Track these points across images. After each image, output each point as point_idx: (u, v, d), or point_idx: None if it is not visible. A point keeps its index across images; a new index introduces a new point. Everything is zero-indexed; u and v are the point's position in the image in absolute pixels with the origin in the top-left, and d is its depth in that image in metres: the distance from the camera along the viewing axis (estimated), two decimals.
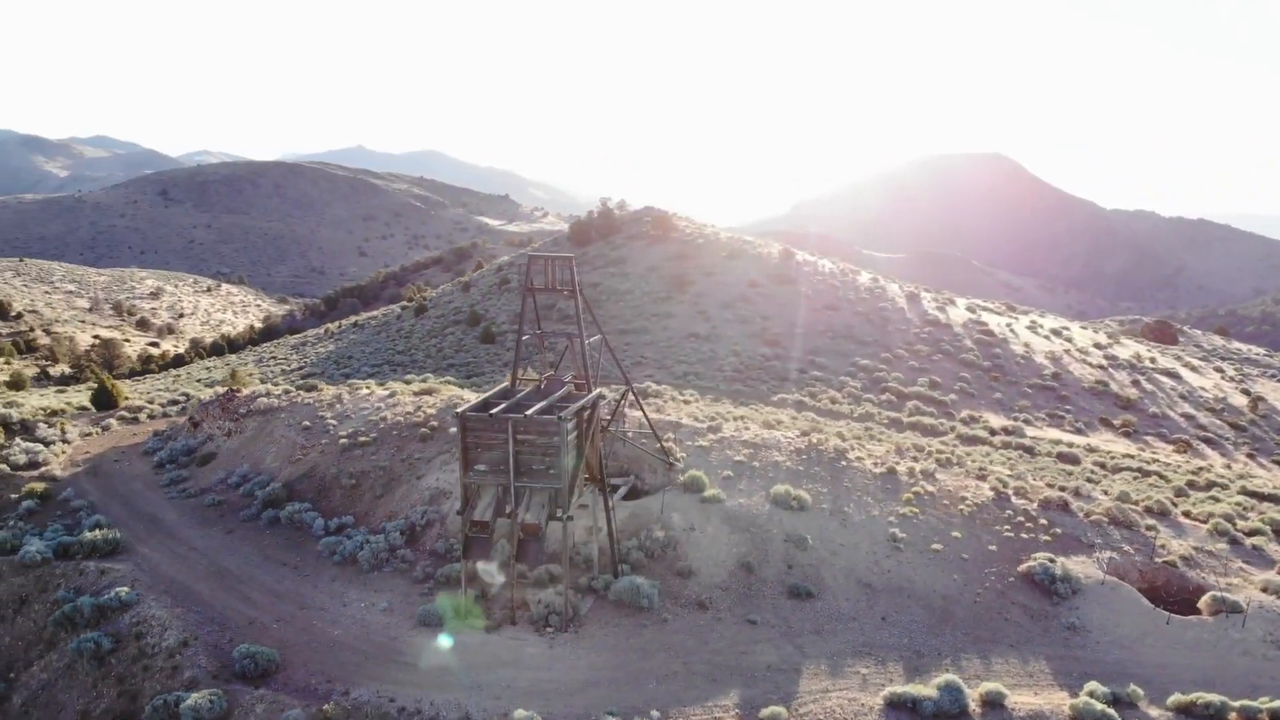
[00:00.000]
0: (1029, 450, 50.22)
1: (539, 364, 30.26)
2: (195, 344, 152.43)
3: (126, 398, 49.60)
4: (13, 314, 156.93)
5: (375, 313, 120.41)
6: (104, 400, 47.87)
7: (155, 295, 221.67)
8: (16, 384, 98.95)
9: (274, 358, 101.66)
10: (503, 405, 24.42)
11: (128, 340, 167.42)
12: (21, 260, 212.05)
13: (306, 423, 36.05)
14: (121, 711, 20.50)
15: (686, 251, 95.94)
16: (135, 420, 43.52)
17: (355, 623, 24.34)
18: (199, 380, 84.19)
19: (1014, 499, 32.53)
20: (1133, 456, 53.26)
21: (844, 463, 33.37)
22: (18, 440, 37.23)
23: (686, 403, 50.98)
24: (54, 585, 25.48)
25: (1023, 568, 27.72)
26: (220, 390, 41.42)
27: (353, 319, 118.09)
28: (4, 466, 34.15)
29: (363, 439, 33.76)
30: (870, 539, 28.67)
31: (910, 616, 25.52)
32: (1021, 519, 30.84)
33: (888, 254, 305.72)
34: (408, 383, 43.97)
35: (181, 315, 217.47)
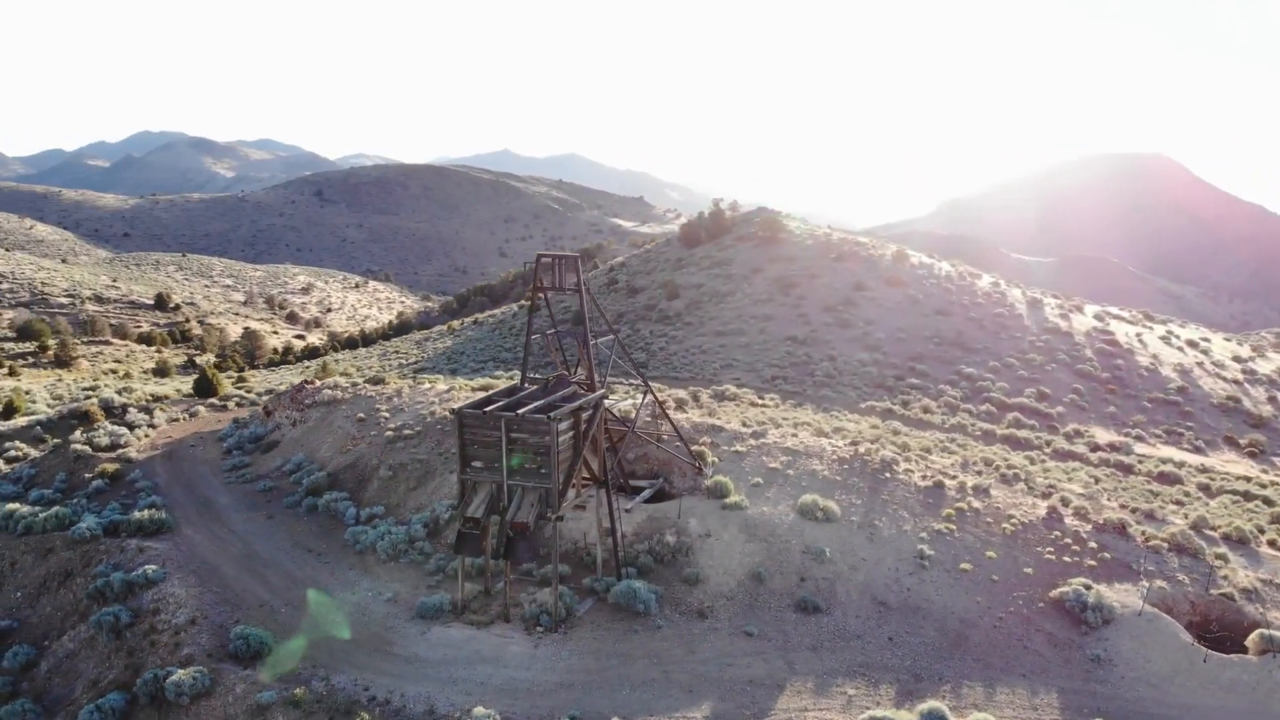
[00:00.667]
0: (1126, 468, 46.99)
1: (580, 364, 30.40)
2: (333, 337, 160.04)
3: (225, 386, 52.70)
4: (171, 305, 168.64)
5: (496, 311, 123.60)
6: (205, 388, 50.92)
7: (306, 290, 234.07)
8: (161, 371, 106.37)
9: (397, 352, 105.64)
10: (501, 403, 24.58)
11: (276, 332, 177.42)
12: (184, 256, 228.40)
13: (361, 415, 37.32)
14: (124, 683, 21.69)
15: (794, 253, 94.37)
16: (224, 408, 46.14)
17: (358, 611, 24.99)
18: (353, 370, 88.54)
19: (1068, 519, 30.50)
20: (1248, 479, 49.07)
21: (888, 475, 32.04)
22: (105, 423, 40.10)
23: (756, 404, 50.19)
24: (97, 560, 27.23)
25: (1055, 593, 25.94)
26: (296, 382, 43.36)
27: (474, 317, 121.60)
28: (86, 447, 36.81)
29: (407, 432, 34.68)
30: (896, 555, 27.43)
31: (920, 638, 24.27)
32: (1069, 541, 28.87)
33: (1037, 257, 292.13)
34: (474, 378, 44.86)
35: (329, 310, 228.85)
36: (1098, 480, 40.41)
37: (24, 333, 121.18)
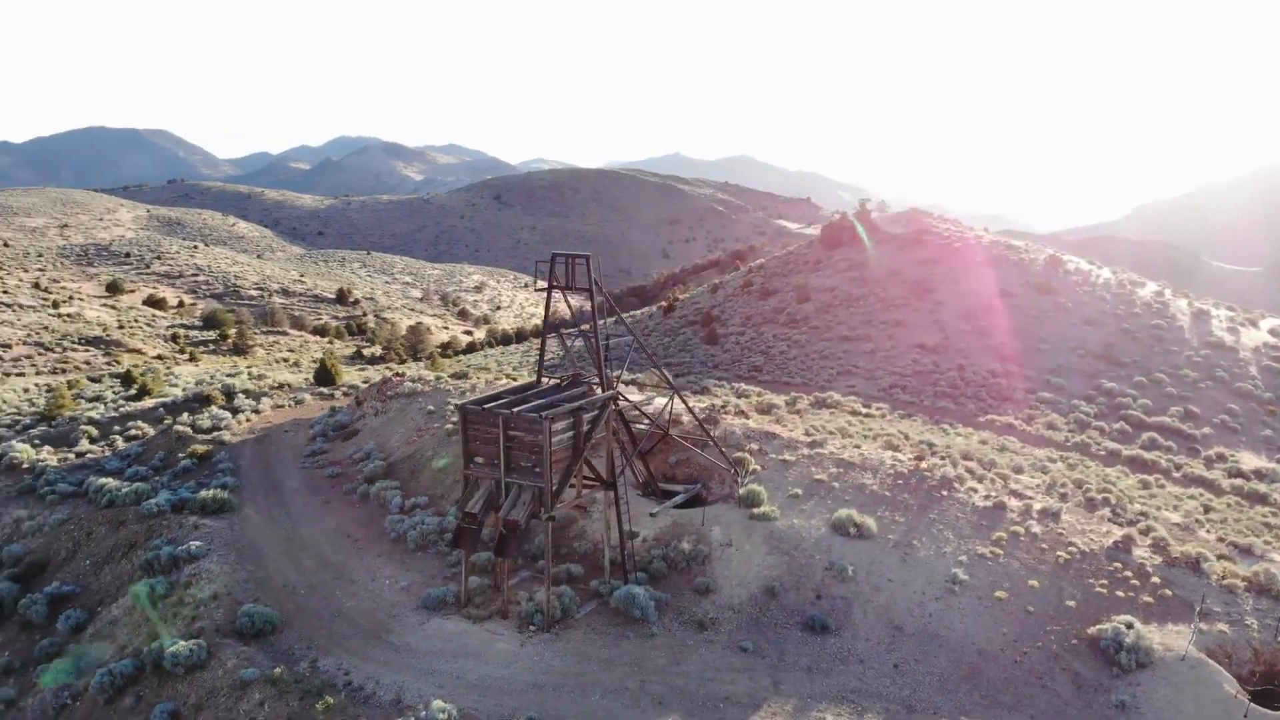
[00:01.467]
0: (1260, 498, 42.36)
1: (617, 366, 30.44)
2: (491, 334, 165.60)
3: (343, 376, 55.57)
4: (351, 300, 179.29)
5: (636, 312, 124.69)
6: (325, 378, 53.90)
7: (479, 289, 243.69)
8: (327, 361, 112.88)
9: (538, 349, 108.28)
10: (504, 401, 24.76)
11: (446, 327, 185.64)
12: (369, 253, 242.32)
13: (431, 408, 38.51)
14: (138, 650, 23.25)
15: (938, 256, 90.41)
16: (331, 397, 48.67)
17: (370, 597, 25.78)
18: (470, 365, 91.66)
19: (1139, 551, 27.80)
20: None
21: (945, 493, 30.18)
22: (212, 408, 43.11)
23: (858, 413, 48.45)
24: (157, 534, 29.32)
25: (1092, 630, 23.67)
26: (387, 374, 45.22)
27: (614, 317, 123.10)
28: (188, 429, 39.71)
29: None
30: (927, 577, 25.82)
31: (929, 667, 22.73)
32: (1129, 574, 26.30)
33: (1238, 266, 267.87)
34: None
35: (499, 307, 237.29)
36: (1208, 509, 36.66)
37: (209, 322, 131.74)
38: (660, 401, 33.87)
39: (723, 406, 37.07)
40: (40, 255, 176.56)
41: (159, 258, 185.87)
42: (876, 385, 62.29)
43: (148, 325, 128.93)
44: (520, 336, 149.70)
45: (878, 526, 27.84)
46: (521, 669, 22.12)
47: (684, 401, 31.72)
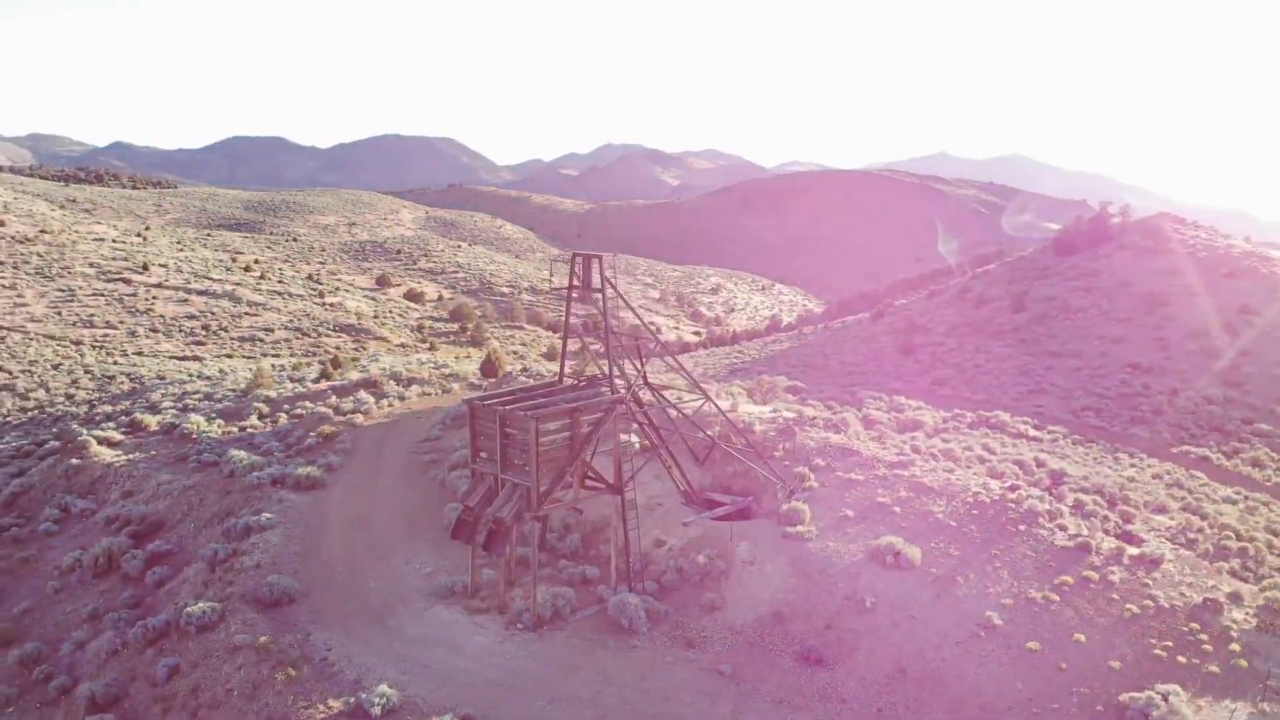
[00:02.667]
0: None
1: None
2: (709, 335, 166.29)
3: (506, 366, 58.05)
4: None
5: (849, 318, 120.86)
6: (489, 369, 56.59)
7: (714, 291, 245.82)
8: (552, 355, 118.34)
9: (740, 352, 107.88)
10: (515, 398, 24.98)
11: (676, 328, 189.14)
12: (615, 255, 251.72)
13: None
14: (182, 610, 25.62)
15: (1177, 266, 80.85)
16: (478, 388, 50.98)
17: (395, 580, 26.88)
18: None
19: (1232, 612, 23.66)
20: None
21: (1023, 527, 27.11)
22: (361, 392, 46.47)
23: (1022, 435, 44.57)
24: (250, 504, 32.14)
25: (1123, 697, 20.37)
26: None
27: (823, 323, 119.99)
28: (330, 411, 43.13)
29: None
30: (956, 618, 23.35)
31: (917, 716, 20.55)
32: (1205, 637, 22.43)
33: None
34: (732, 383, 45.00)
35: (732, 310, 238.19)
36: None
37: (455, 314, 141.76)
38: (724, 407, 32.79)
39: (812, 419, 35.29)
40: (324, 250, 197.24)
41: (426, 255, 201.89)
42: (1067, 406, 56.92)
43: (400, 316, 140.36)
44: (735, 339, 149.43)
45: (923, 558, 25.50)
46: (488, 665, 22.29)
47: (716, 405, 30.64)
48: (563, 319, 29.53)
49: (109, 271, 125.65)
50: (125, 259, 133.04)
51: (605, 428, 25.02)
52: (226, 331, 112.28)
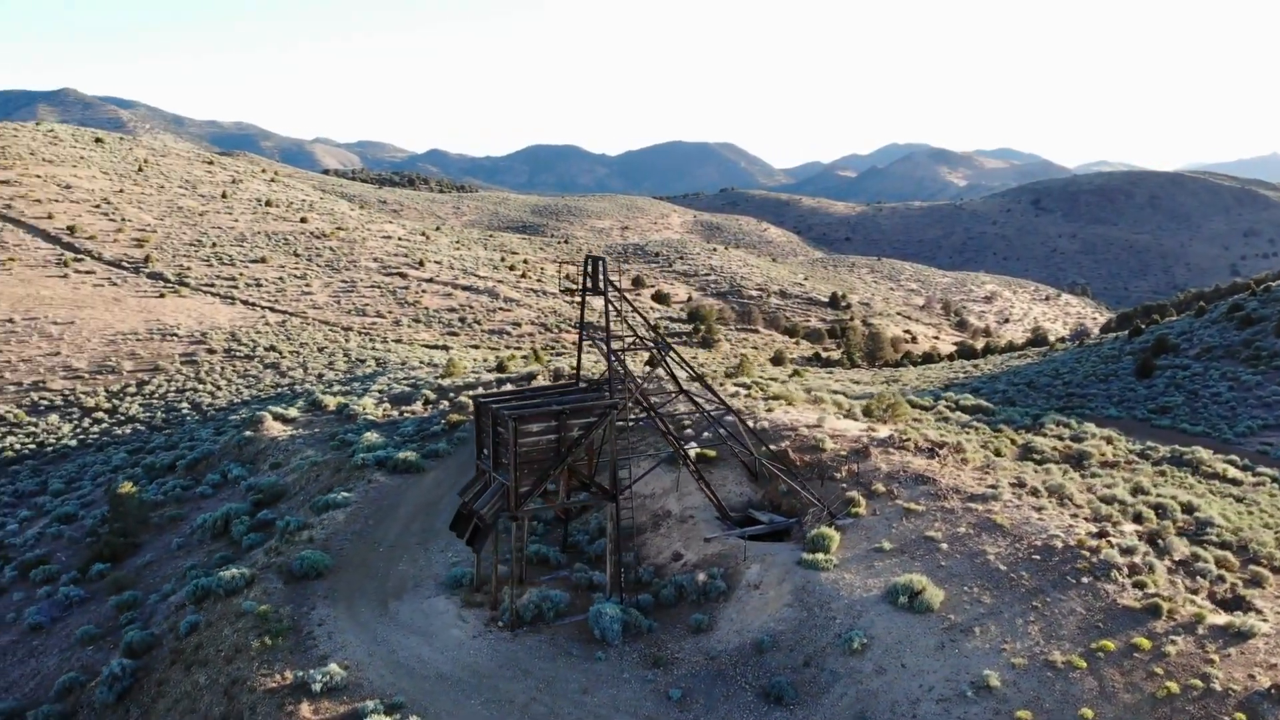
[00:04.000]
0: None
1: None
2: (961, 347, 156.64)
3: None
4: (843, 304, 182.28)
5: (1107, 336, 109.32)
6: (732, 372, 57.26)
7: (989, 299, 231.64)
8: (777, 360, 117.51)
9: (971, 368, 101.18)
10: (520, 397, 25.14)
11: (937, 338, 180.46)
12: (879, 260, 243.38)
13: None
14: (217, 575, 28.04)
15: None
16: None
17: (421, 566, 27.85)
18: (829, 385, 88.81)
19: None
20: None
21: (1086, 580, 23.60)
22: (508, 386, 48.50)
23: (1226, 478, 38.92)
24: (347, 482, 34.60)
25: None
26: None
27: (1078, 341, 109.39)
28: (470, 400, 45.43)
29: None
30: (950, 673, 20.78)
31: None
32: None
33: None
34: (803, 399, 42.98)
35: (1006, 320, 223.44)
36: None
37: (692, 315, 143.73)
38: (793, 417, 30.97)
39: (903, 439, 32.48)
40: (590, 252, 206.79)
41: (682, 257, 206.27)
42: None
43: (640, 316, 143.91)
44: (988, 351, 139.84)
45: (945, 602, 22.87)
46: (449, 658, 22.62)
47: (742, 422, 28.90)
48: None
49: (389, 266, 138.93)
50: (405, 255, 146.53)
51: (597, 432, 24.61)
52: (480, 324, 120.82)
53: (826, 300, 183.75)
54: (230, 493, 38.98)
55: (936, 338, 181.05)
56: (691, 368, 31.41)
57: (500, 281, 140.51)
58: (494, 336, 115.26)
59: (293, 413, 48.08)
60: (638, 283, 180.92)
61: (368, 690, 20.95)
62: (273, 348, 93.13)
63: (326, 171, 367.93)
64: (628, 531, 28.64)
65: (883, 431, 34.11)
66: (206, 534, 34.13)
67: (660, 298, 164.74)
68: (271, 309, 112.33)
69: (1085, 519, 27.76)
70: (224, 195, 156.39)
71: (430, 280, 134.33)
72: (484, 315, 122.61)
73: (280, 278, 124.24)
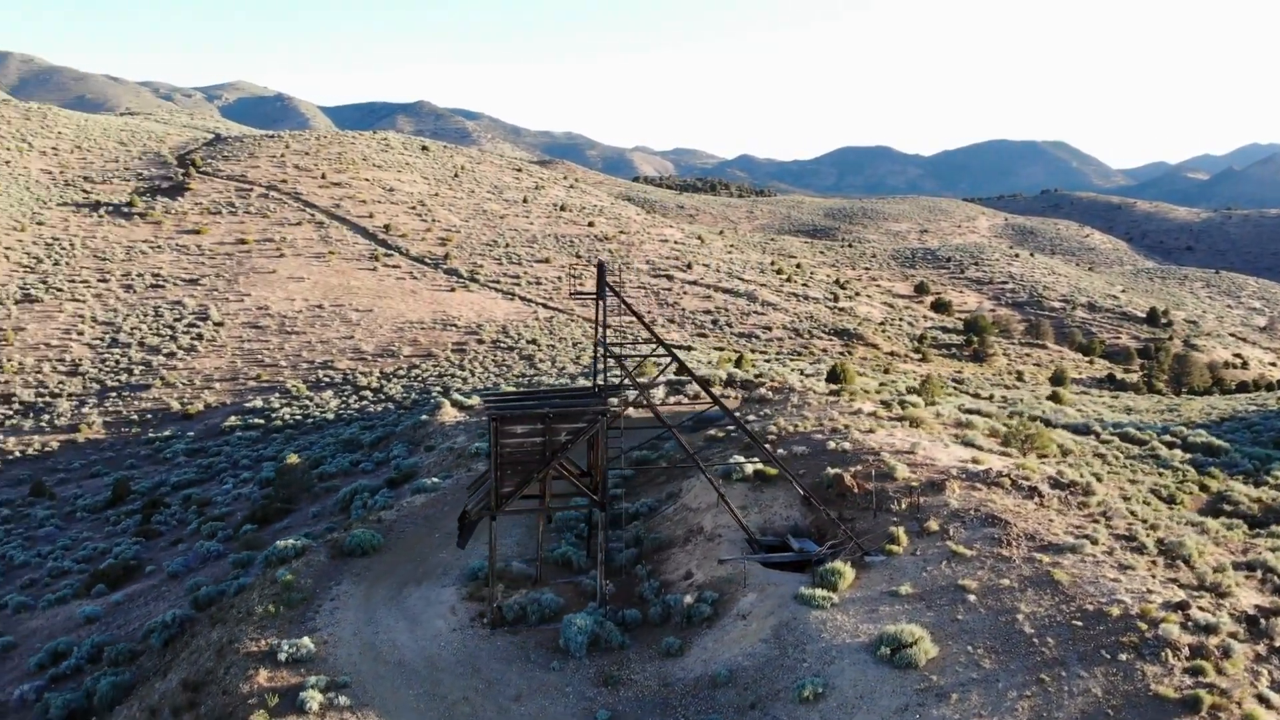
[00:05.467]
0: None
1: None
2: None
3: (853, 382, 54.86)
4: (1163, 321, 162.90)
5: None
6: (834, 378, 54.36)
7: None
8: (1057, 379, 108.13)
9: (1209, 407, 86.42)
10: (517, 398, 25.11)
11: (1275, 364, 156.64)
12: (1216, 273, 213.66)
13: (760, 414, 37.51)
14: (275, 544, 30.34)
15: None
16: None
17: (459, 557, 28.11)
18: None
19: None
20: None
21: (1126, 656, 19.74)
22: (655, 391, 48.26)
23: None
24: (454, 468, 36.25)
25: None
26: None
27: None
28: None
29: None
30: None
31: None
32: None
33: None
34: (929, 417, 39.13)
35: None
36: None
37: (967, 326, 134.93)
38: (886, 440, 28.21)
39: (1017, 474, 28.59)
40: (874, 256, 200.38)
41: (976, 263, 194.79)
42: None
43: (908, 325, 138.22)
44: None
45: (934, 660, 20.07)
46: (417, 648, 23.01)
47: (752, 436, 26.45)
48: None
49: (659, 268, 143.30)
50: (677, 259, 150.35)
51: (583, 439, 23.98)
52: (731, 327, 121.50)
53: (1143, 316, 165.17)
54: (386, 471, 42.23)
55: (1274, 364, 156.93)
56: (693, 374, 29.75)
57: (763, 285, 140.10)
58: (742, 339, 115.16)
59: (473, 400, 51.09)
60: (920, 289, 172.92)
61: (325, 667, 21.99)
62: (533, 341, 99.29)
63: (636, 178, 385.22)
64: (658, 543, 27.77)
65: (997, 463, 30.34)
66: (337, 506, 37.30)
67: (940, 306, 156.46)
68: (544, 305, 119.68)
69: (1182, 585, 23.08)
70: (524, 200, 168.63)
71: (694, 283, 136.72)
72: (737, 318, 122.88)
73: (558, 276, 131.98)
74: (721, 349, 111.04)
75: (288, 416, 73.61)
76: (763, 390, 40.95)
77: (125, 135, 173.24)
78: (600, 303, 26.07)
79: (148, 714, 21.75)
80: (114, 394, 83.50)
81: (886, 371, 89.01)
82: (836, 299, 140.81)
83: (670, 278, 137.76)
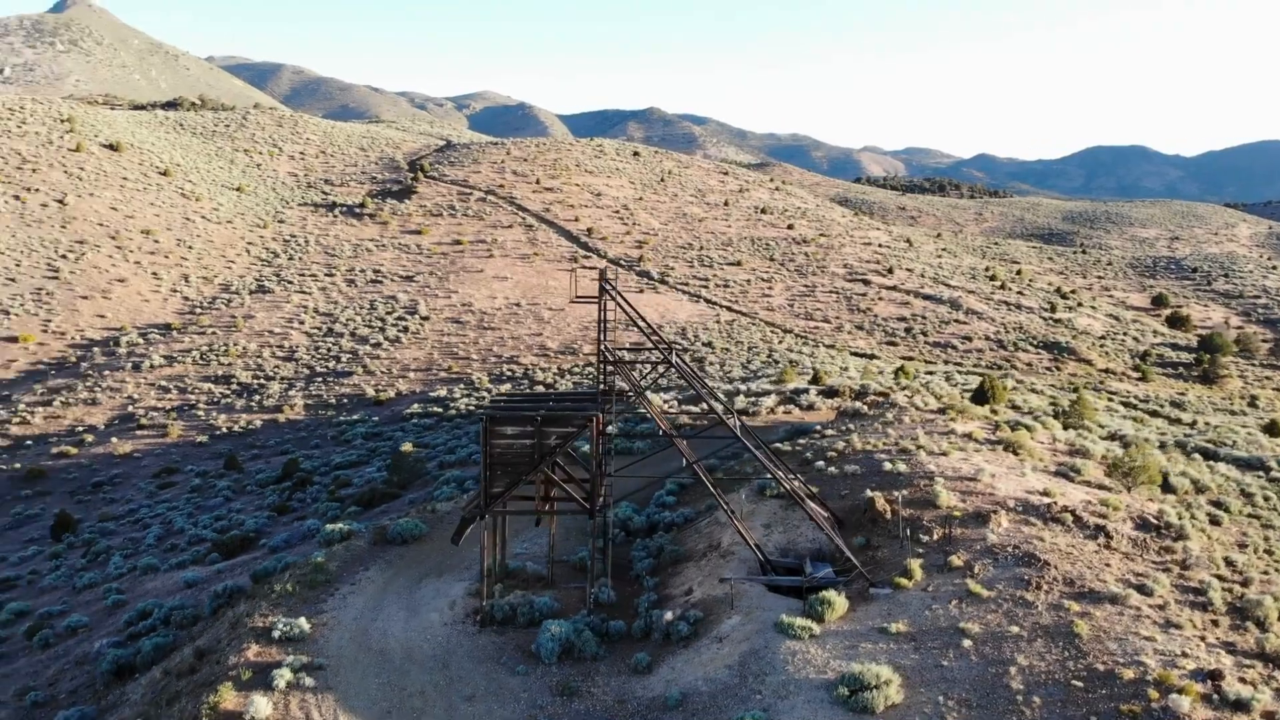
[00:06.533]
0: None
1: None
2: None
3: (1001, 400, 50.31)
4: None
5: None
6: (981, 398, 50.25)
7: None
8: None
9: None
10: (513, 401, 25.03)
11: None
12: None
13: (846, 428, 35.32)
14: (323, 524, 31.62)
15: None
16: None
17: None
18: None
19: None
20: None
21: (1128, 704, 17.10)
22: (770, 398, 46.34)
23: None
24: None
25: None
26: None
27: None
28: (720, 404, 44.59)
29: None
30: None
31: None
32: None
33: None
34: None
35: None
36: None
37: (1203, 343, 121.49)
38: (946, 463, 25.82)
39: (1096, 509, 25.35)
40: (1109, 265, 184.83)
41: (1226, 275, 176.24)
42: None
43: (1134, 340, 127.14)
44: None
45: (895, 707, 18.25)
46: (402, 639, 23.35)
47: (757, 453, 24.52)
48: None
49: (856, 272, 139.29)
50: (877, 262, 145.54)
51: (572, 444, 23.46)
52: (925, 336, 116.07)
53: None
54: None
55: None
56: (691, 381, 28.14)
57: (970, 292, 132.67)
58: (937, 349, 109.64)
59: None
60: (1157, 301, 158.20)
61: (313, 648, 22.84)
62: (709, 343, 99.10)
63: (858, 179, 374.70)
64: (676, 556, 26.85)
65: (1077, 497, 27.10)
66: (428, 494, 38.83)
67: (1176, 320, 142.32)
68: (728, 308, 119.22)
69: (1234, 652, 19.64)
70: (726, 203, 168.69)
71: (893, 288, 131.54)
72: (934, 327, 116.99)
73: (747, 280, 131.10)
74: (910, 358, 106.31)
75: (463, 407, 77.24)
76: (859, 404, 38.66)
77: (366, 142, 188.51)
78: (601, 308, 25.57)
79: (163, 674, 23.51)
80: (319, 379, 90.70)
81: (1077, 391, 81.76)
82: (1054, 309, 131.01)
83: (867, 282, 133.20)
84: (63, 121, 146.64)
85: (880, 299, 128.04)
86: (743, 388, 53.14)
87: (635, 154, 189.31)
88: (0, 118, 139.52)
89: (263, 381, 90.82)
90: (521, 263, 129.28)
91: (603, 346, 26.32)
